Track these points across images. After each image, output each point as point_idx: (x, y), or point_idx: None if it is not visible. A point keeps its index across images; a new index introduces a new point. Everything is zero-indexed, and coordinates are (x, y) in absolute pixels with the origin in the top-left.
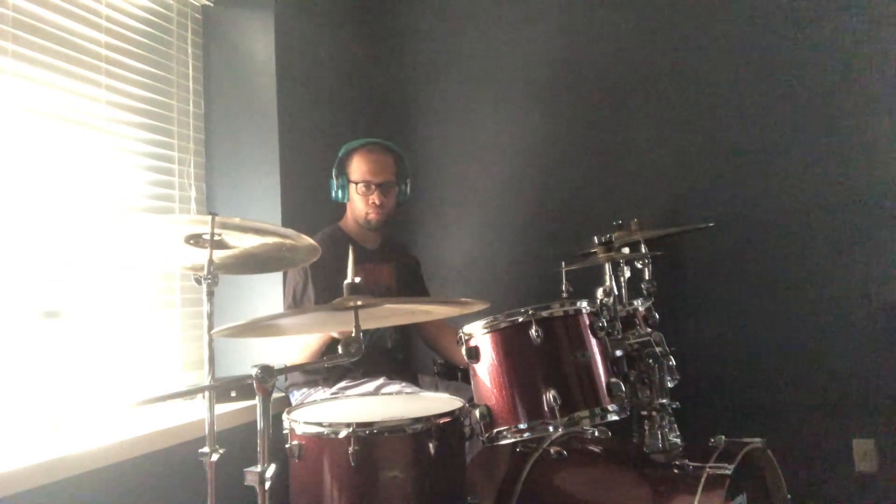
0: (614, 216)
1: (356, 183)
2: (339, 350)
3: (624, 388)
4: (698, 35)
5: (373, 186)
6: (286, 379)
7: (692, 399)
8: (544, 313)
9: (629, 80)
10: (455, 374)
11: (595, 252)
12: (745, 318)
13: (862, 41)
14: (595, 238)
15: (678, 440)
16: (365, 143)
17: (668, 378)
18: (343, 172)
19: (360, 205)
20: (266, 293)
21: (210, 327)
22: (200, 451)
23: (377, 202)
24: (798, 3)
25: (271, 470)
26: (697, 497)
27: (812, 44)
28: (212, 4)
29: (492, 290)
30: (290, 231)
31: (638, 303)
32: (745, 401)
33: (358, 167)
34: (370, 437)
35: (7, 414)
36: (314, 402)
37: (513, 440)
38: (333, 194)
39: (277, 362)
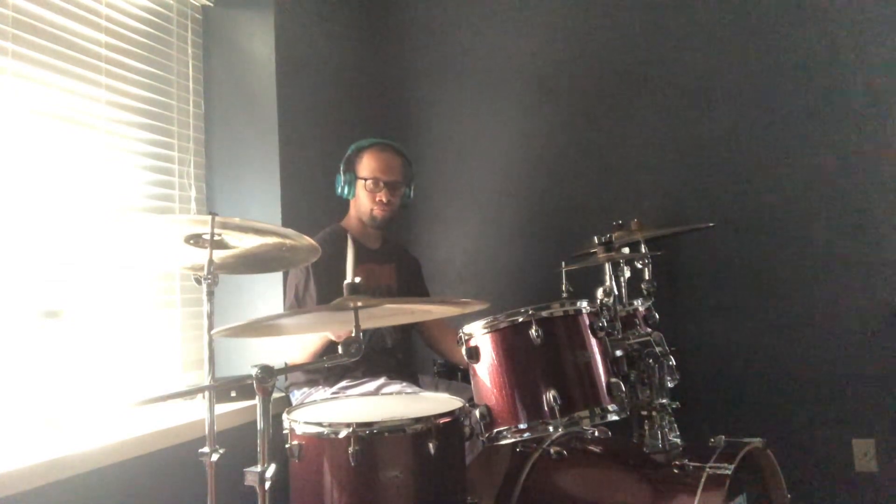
0: (614, 216)
1: (365, 179)
2: (339, 350)
3: (624, 388)
4: (699, 34)
5: (381, 184)
6: (286, 379)
7: (692, 399)
8: (544, 313)
9: (630, 80)
10: (455, 374)
11: (595, 252)
12: (744, 318)
13: (866, 40)
14: (595, 238)
15: (678, 440)
16: (376, 143)
17: (668, 378)
18: (351, 169)
19: (366, 201)
20: (266, 293)
21: (210, 327)
22: (200, 451)
23: (384, 199)
24: (801, 1)
25: (271, 470)
26: (697, 497)
27: (815, 43)
28: (212, 4)
29: (492, 290)
30: (290, 231)
31: (638, 303)
32: (745, 401)
33: (368, 164)
34: (370, 437)
35: (7, 414)
36: (314, 401)
37: (513, 440)
38: (339, 190)
39: (277, 362)
